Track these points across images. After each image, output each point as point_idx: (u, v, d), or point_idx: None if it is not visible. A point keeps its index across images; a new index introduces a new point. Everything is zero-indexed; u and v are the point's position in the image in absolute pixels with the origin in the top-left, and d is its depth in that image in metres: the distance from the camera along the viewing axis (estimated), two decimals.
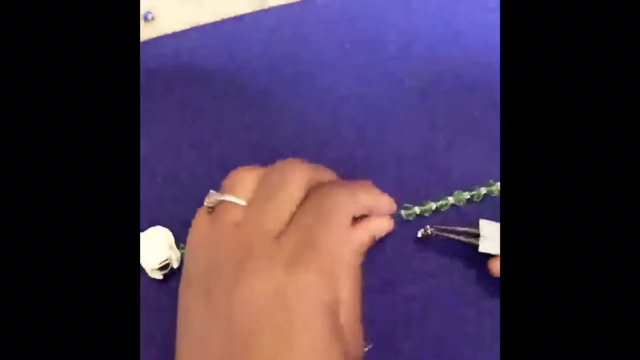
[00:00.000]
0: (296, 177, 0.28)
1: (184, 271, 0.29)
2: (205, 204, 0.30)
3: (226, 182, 0.30)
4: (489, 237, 0.30)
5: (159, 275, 0.34)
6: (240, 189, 0.29)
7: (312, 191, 0.28)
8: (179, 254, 0.34)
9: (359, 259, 0.28)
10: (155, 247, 0.34)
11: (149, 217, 0.35)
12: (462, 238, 0.31)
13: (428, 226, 0.32)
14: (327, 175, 0.31)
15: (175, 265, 0.34)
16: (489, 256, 0.31)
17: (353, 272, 0.27)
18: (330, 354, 0.24)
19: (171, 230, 0.34)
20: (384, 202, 0.31)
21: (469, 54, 0.39)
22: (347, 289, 0.26)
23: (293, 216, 0.27)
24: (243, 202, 0.28)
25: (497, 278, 0.30)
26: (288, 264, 0.25)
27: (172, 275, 0.34)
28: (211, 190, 0.29)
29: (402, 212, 0.32)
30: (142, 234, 0.34)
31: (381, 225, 0.30)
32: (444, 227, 0.32)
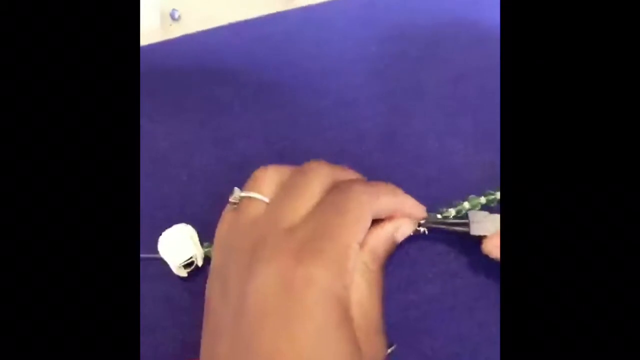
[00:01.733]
0: (319, 177, 0.29)
1: (210, 264, 0.30)
2: (230, 200, 0.30)
3: (250, 180, 0.30)
4: (478, 222, 0.31)
5: (183, 273, 0.34)
6: (263, 186, 0.29)
7: (333, 188, 0.28)
8: (202, 252, 0.34)
9: (376, 261, 0.28)
10: (180, 245, 0.34)
11: (174, 214, 0.35)
12: (453, 228, 0.31)
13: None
14: (352, 176, 0.31)
15: (199, 262, 0.34)
16: None
17: (369, 274, 0.27)
18: (335, 342, 0.24)
19: (195, 228, 0.35)
20: (409, 205, 0.30)
21: (493, 57, 0.38)
22: (362, 290, 0.26)
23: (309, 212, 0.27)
24: (265, 199, 0.29)
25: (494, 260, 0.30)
26: (297, 253, 0.25)
27: (196, 272, 0.34)
28: (235, 188, 0.30)
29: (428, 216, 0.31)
30: (166, 232, 0.34)
31: (400, 226, 0.29)
32: (435, 220, 0.31)
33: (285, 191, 0.29)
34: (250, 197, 0.29)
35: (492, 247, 0.29)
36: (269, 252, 0.26)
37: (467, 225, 0.31)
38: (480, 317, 0.31)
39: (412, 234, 0.31)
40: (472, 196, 0.32)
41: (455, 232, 0.31)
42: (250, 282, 0.25)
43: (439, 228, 0.31)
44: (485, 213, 0.31)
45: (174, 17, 0.41)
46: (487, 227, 0.30)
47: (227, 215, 0.31)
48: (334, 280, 0.25)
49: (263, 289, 0.25)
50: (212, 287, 0.29)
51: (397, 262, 0.32)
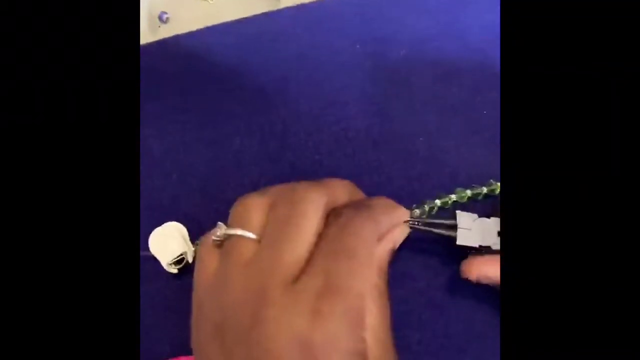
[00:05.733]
0: (312, 207, 0.26)
1: (194, 309, 0.27)
2: (212, 237, 0.27)
3: (234, 214, 0.27)
4: (466, 228, 0.30)
5: (174, 270, 0.34)
6: (249, 220, 0.26)
7: (331, 222, 0.26)
8: (193, 249, 0.35)
9: (383, 277, 0.26)
10: (171, 242, 0.34)
11: (164, 213, 0.36)
12: (439, 230, 0.30)
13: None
14: (343, 193, 0.28)
15: (190, 259, 0.34)
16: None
17: (380, 295, 0.25)
18: None
19: (185, 227, 0.35)
20: (401, 216, 0.29)
21: (478, 55, 0.39)
22: (374, 314, 0.24)
23: (311, 253, 0.25)
24: (253, 236, 0.26)
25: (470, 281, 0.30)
26: (311, 312, 0.23)
27: (187, 269, 0.34)
28: (219, 222, 0.27)
29: (417, 210, 0.32)
30: (157, 230, 0.35)
31: (399, 236, 0.28)
32: (420, 219, 0.30)
33: (277, 227, 0.25)
34: (238, 235, 0.26)
35: (470, 272, 0.29)
36: (277, 311, 0.23)
37: (454, 228, 0.30)
38: (467, 312, 0.32)
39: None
40: (459, 189, 0.32)
41: (442, 236, 0.30)
42: (259, 344, 0.23)
43: (427, 231, 0.30)
44: (474, 216, 0.30)
45: (162, 20, 0.41)
46: (474, 237, 0.30)
47: (209, 254, 0.27)
48: (353, 336, 0.23)
49: (277, 354, 0.23)
50: (206, 341, 0.26)
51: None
